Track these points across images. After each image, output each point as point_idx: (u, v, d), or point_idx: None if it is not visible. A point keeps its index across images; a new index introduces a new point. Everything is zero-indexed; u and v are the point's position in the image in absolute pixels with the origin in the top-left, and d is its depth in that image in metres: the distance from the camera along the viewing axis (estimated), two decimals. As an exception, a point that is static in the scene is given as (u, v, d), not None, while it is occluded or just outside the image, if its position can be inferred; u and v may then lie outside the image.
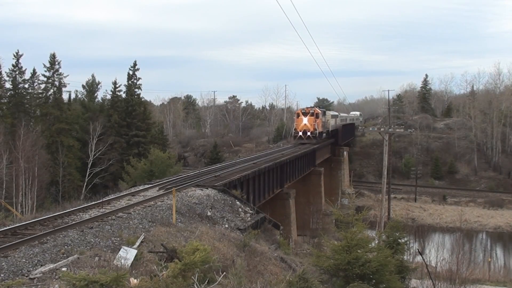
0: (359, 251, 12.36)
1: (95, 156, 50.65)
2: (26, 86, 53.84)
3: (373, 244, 14.68)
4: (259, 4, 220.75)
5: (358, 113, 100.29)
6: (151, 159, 38.49)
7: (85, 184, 49.25)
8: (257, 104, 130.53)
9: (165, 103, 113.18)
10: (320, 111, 49.65)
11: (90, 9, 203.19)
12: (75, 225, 12.92)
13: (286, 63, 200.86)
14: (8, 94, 53.04)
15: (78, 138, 54.49)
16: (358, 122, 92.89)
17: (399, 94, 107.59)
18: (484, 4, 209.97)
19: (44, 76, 53.25)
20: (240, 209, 20.12)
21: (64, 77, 53.83)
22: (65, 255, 10.81)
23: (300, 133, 47.80)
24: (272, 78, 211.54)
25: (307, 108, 50.73)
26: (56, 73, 53.14)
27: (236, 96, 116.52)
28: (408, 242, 19.10)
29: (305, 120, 47.62)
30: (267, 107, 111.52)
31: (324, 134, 52.65)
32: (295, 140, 49.32)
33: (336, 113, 67.71)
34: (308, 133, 47.45)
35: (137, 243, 12.24)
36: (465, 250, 32.09)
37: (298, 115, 49.13)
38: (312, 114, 48.04)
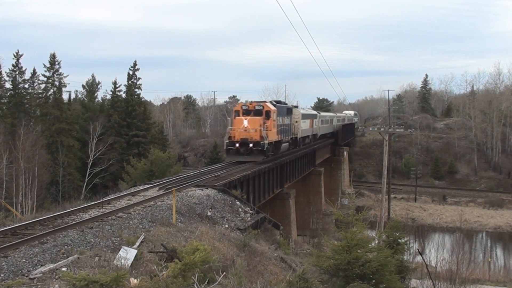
0: (359, 251, 12.37)
1: (95, 156, 50.70)
2: (26, 86, 54.09)
3: (373, 244, 14.70)
4: (259, 4, 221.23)
5: (352, 112, 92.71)
6: (151, 159, 38.46)
7: (85, 184, 49.28)
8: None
9: (165, 103, 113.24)
10: (274, 109, 30.29)
11: (90, 9, 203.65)
12: (75, 225, 12.92)
13: (286, 63, 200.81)
14: (8, 94, 53.17)
15: (78, 138, 54.54)
16: (353, 122, 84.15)
17: (399, 94, 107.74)
18: (485, 5, 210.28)
19: (44, 76, 53.45)
20: (240, 209, 20.13)
21: (64, 77, 54.10)
22: (65, 255, 10.81)
23: (237, 144, 28.39)
24: (272, 78, 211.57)
25: (251, 103, 30.41)
26: (56, 73, 53.25)
27: (236, 96, 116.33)
28: (408, 242, 19.11)
29: (245, 122, 28.46)
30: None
31: (286, 145, 34.08)
32: (228, 156, 29.79)
33: (314, 112, 49.85)
34: (251, 145, 28.13)
35: (137, 243, 12.24)
36: (465, 250, 32.05)
37: (236, 114, 29.63)
38: (258, 113, 29.11)
